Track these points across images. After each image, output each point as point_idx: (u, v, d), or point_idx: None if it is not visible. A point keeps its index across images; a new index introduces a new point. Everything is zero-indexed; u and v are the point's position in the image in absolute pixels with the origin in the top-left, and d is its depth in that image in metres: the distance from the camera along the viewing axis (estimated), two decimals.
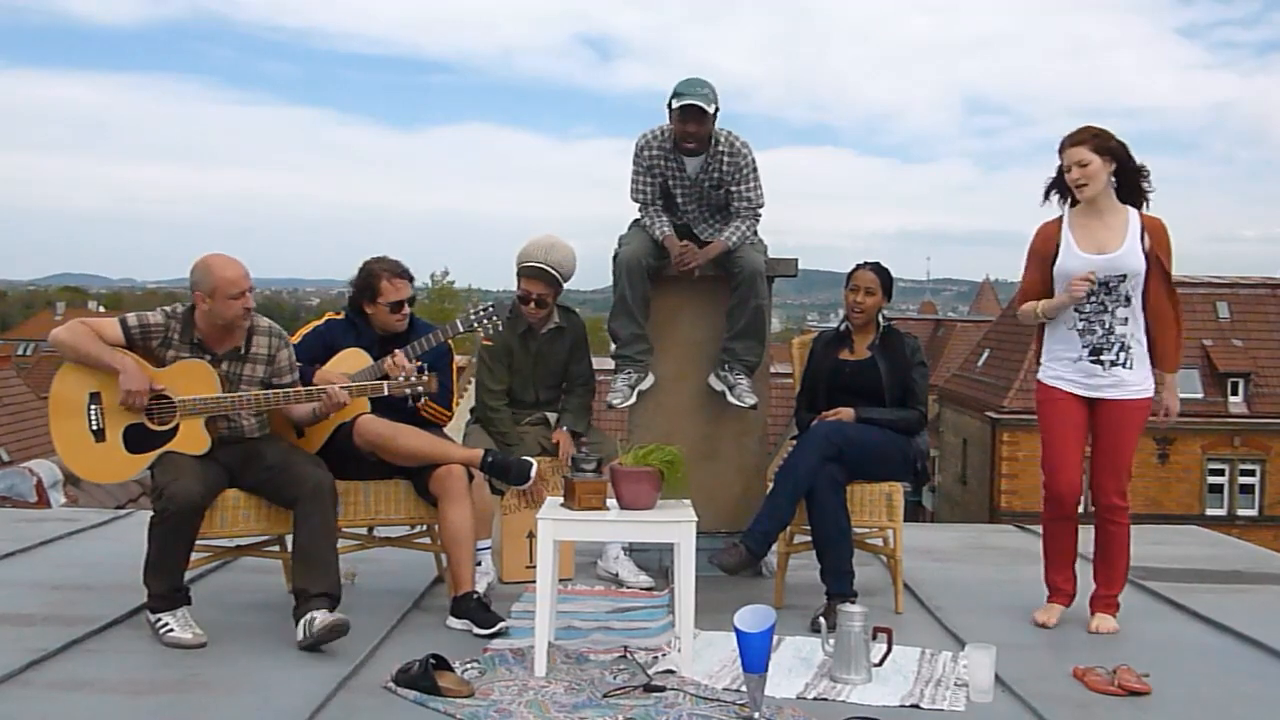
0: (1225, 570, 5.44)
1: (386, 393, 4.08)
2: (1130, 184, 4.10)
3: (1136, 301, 4.08)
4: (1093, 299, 4.07)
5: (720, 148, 4.74)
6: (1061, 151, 4.08)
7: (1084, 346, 4.11)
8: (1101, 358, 4.09)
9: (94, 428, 3.96)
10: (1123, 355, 4.09)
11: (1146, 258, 4.05)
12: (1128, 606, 4.48)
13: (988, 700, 3.42)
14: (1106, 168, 4.04)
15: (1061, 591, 4.32)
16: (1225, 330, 29.14)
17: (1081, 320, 4.11)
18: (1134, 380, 4.10)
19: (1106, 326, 4.08)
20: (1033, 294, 4.22)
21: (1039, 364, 4.30)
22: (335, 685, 3.39)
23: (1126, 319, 4.08)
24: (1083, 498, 4.27)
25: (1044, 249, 4.17)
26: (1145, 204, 4.13)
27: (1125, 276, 4.05)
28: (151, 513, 3.85)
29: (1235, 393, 28.38)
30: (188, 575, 3.94)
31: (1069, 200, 4.16)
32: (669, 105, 4.65)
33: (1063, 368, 4.17)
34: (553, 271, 4.73)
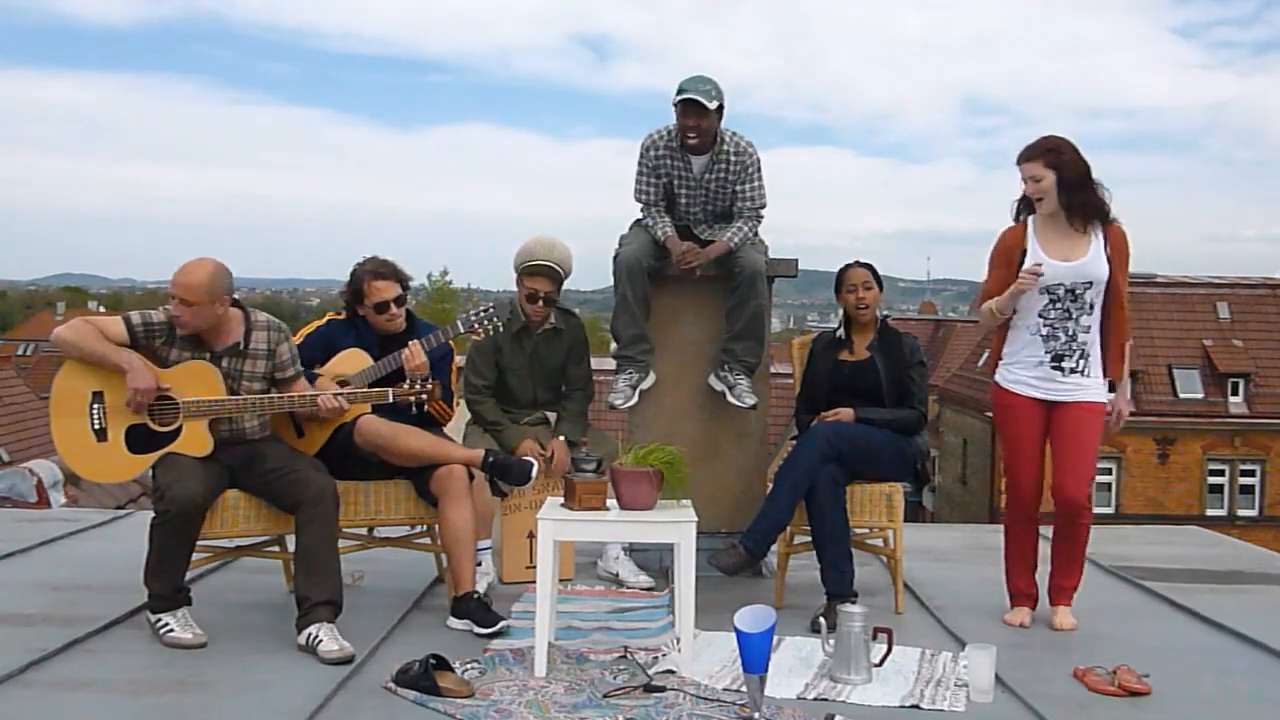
0: (1225, 570, 5.45)
1: (391, 400, 4.09)
2: (1082, 202, 4.05)
3: (1098, 309, 4.11)
4: (1057, 306, 4.09)
5: (725, 147, 4.75)
6: (1018, 165, 4.11)
7: (1047, 352, 4.13)
8: (1063, 364, 4.12)
9: (96, 427, 3.96)
10: (1082, 362, 4.12)
11: (1109, 264, 4.07)
12: (1128, 606, 4.49)
13: (988, 700, 3.42)
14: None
15: (1026, 595, 4.34)
16: (1225, 330, 29.15)
17: (1046, 326, 4.12)
18: (1091, 385, 4.13)
19: (1070, 333, 4.11)
20: (994, 295, 4.21)
21: (996, 366, 4.30)
22: (335, 685, 3.39)
23: (1089, 326, 4.11)
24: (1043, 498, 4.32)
25: (1010, 254, 4.17)
26: (1103, 220, 4.10)
27: (1091, 283, 4.07)
28: (152, 513, 3.85)
29: (1235, 393, 28.39)
30: (188, 575, 3.94)
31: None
32: (674, 103, 4.67)
33: (1024, 371, 4.19)
34: (557, 268, 4.75)
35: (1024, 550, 4.34)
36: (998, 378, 4.29)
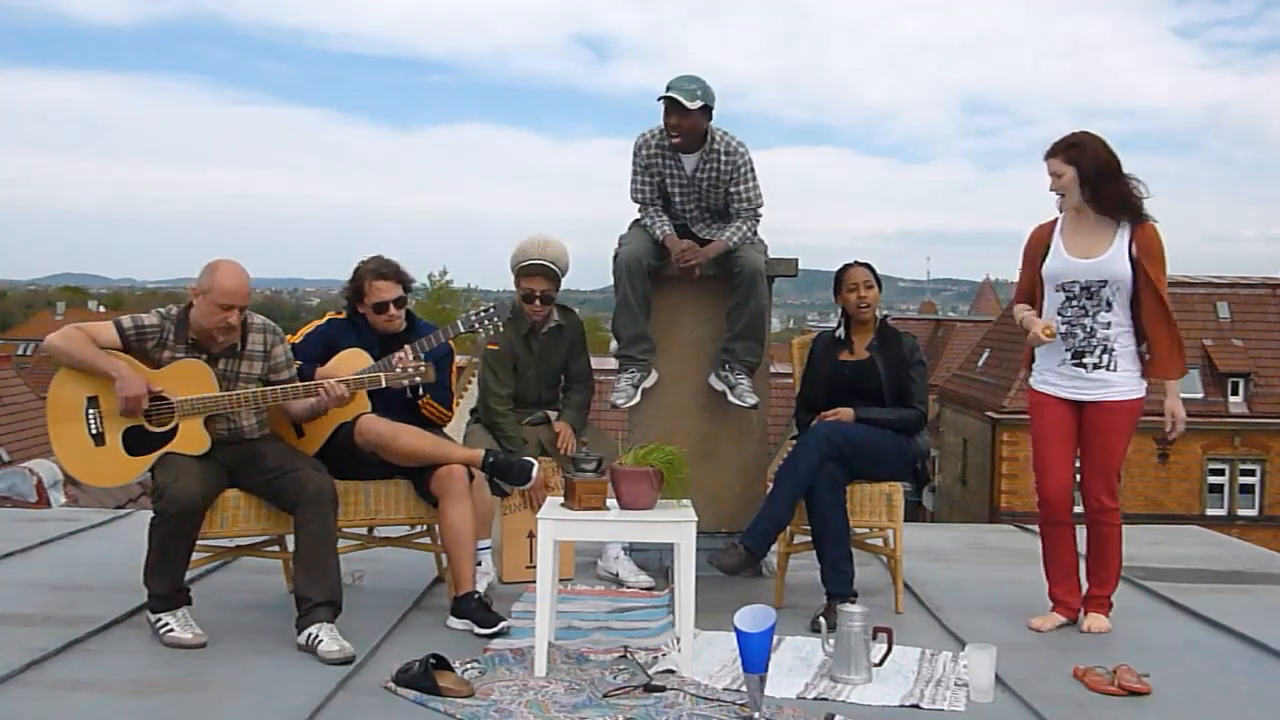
0: (1225, 570, 5.45)
1: (385, 385, 4.08)
2: (1105, 195, 4.04)
3: (1120, 306, 4.08)
4: (1073, 303, 4.10)
5: (716, 146, 4.76)
6: (1044, 160, 4.12)
7: (1066, 350, 4.13)
8: (1084, 360, 4.11)
9: (93, 431, 3.96)
10: (1106, 358, 4.09)
11: (1134, 264, 4.04)
12: (1128, 606, 4.48)
13: (988, 700, 3.42)
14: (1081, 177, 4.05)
15: (1063, 604, 4.28)
16: (1225, 330, 29.14)
17: (1064, 324, 4.13)
18: (1119, 382, 4.10)
19: (1088, 329, 4.10)
20: (1026, 293, 4.29)
21: (1029, 369, 4.31)
22: (335, 685, 3.39)
23: (1109, 323, 4.08)
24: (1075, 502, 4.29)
25: (1034, 251, 4.22)
26: (1134, 217, 4.06)
27: (1107, 281, 4.06)
28: (151, 513, 3.85)
29: (1235, 393, 28.39)
30: (188, 575, 3.94)
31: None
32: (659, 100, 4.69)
33: (1050, 372, 4.20)
34: (553, 266, 4.75)
35: (1054, 555, 4.29)
36: (1030, 379, 4.29)
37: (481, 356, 4.88)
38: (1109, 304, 4.07)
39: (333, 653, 3.62)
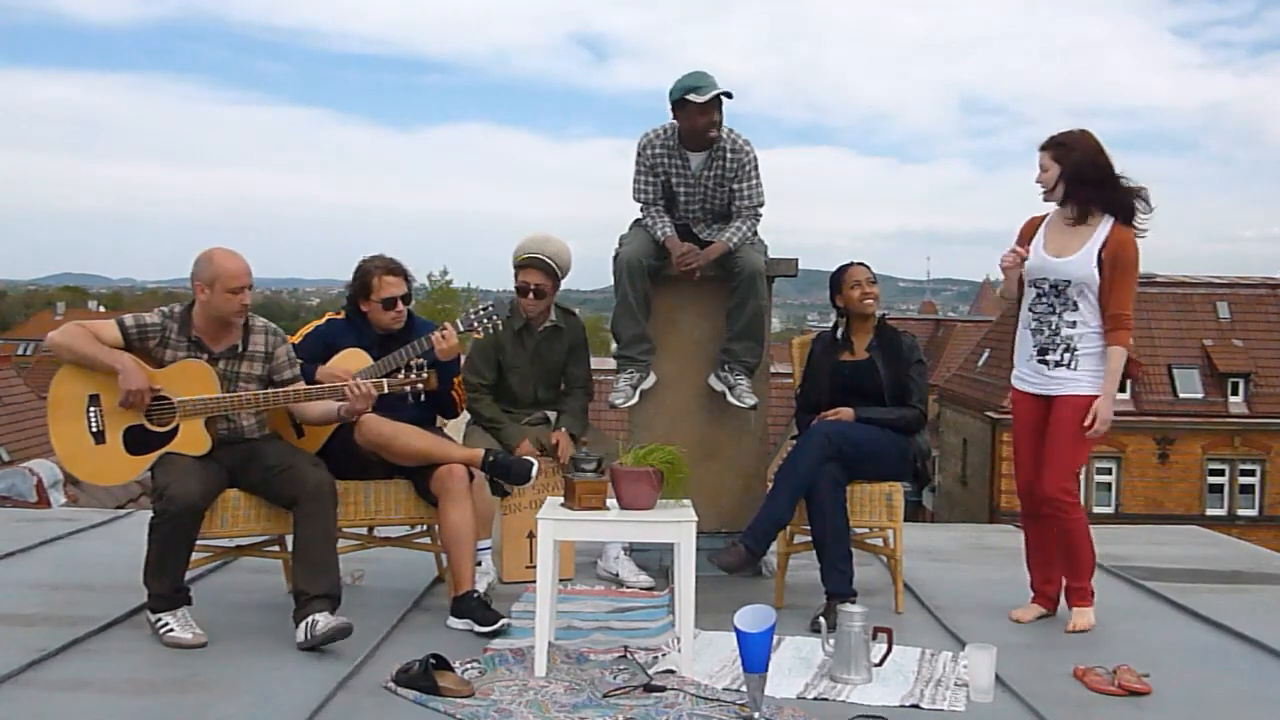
0: (1225, 570, 5.45)
1: (386, 390, 4.08)
2: (1075, 198, 4.07)
3: (1087, 308, 4.09)
4: (1043, 300, 4.15)
5: (723, 144, 4.75)
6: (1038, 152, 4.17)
7: (1034, 346, 4.19)
8: (1047, 357, 4.16)
9: (93, 430, 3.96)
10: (1067, 356, 4.12)
11: (1101, 267, 4.04)
12: (1128, 606, 4.48)
13: (988, 700, 3.42)
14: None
15: (1040, 594, 4.34)
16: (1225, 330, 29.15)
17: (1034, 320, 4.19)
18: (1080, 379, 4.11)
19: (1053, 328, 4.13)
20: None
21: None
22: (335, 685, 3.39)
23: (1074, 322, 4.11)
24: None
25: (1022, 241, 4.27)
26: (1123, 217, 4.06)
27: (1070, 282, 4.08)
28: (151, 513, 3.85)
29: (1235, 393, 28.40)
30: (188, 575, 3.94)
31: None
32: (682, 101, 4.61)
33: (1021, 368, 4.27)
34: (549, 261, 4.75)
35: (1032, 546, 4.36)
36: (1011, 375, 4.36)
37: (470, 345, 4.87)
38: (1075, 304, 4.10)
39: (330, 625, 3.65)
